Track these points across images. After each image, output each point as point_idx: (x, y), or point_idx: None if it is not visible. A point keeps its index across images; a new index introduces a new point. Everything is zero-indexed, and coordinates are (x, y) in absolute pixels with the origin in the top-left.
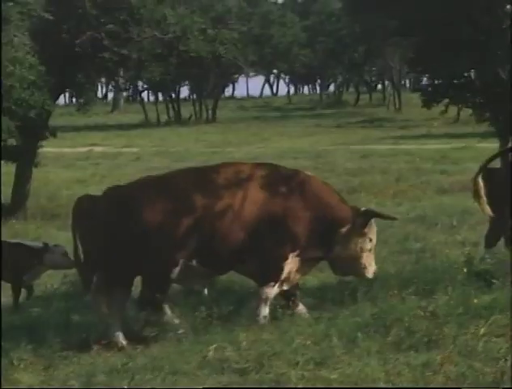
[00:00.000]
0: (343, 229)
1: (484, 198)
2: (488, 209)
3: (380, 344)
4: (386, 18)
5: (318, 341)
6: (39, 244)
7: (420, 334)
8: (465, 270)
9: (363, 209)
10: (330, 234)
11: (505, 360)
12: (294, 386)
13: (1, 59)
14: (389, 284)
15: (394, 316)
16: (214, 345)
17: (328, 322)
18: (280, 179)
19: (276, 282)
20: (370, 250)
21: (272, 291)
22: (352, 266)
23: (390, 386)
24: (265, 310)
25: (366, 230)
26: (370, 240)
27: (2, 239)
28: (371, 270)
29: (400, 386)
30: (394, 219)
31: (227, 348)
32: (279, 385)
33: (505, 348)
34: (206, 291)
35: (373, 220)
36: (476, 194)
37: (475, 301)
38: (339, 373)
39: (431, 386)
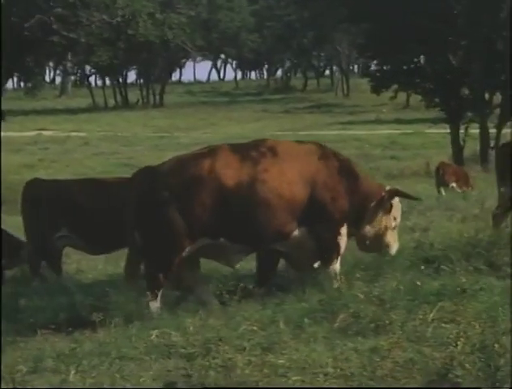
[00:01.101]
0: (372, 205)
1: None
2: None
3: (327, 329)
4: (335, 4)
5: (265, 327)
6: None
7: (368, 320)
8: (414, 256)
9: (388, 188)
10: (362, 210)
11: (455, 345)
12: (241, 372)
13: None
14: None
15: (342, 302)
16: (156, 330)
17: (275, 308)
18: (323, 156)
19: (337, 258)
20: (394, 228)
21: (337, 266)
22: (377, 243)
23: (338, 371)
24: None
25: (391, 208)
26: (394, 218)
27: None
28: (394, 247)
29: (348, 371)
30: (418, 199)
31: (173, 334)
32: (226, 370)
33: (454, 334)
34: None
35: (397, 199)
36: None
37: (423, 286)
38: (285, 358)
39: (379, 371)
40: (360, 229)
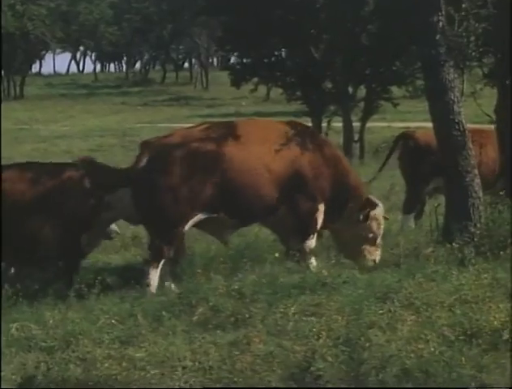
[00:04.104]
0: (351, 205)
1: None
2: None
3: (186, 323)
4: None
5: (124, 320)
6: None
7: (227, 313)
8: (274, 249)
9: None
10: (342, 203)
11: (317, 338)
12: (100, 365)
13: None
14: (195, 262)
15: (200, 295)
16: (16, 323)
17: (133, 302)
18: (307, 136)
19: (314, 234)
20: (373, 241)
21: (313, 242)
22: (350, 248)
23: (197, 364)
24: (313, 261)
25: (367, 219)
26: (373, 231)
27: None
28: (370, 260)
29: (207, 364)
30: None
31: (34, 327)
32: (86, 363)
33: (317, 327)
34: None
35: (380, 213)
36: None
37: (284, 279)
38: (144, 351)
39: (238, 364)
40: (335, 222)
